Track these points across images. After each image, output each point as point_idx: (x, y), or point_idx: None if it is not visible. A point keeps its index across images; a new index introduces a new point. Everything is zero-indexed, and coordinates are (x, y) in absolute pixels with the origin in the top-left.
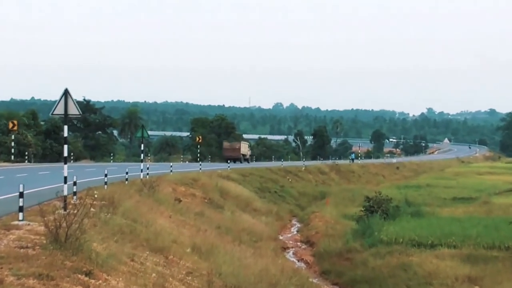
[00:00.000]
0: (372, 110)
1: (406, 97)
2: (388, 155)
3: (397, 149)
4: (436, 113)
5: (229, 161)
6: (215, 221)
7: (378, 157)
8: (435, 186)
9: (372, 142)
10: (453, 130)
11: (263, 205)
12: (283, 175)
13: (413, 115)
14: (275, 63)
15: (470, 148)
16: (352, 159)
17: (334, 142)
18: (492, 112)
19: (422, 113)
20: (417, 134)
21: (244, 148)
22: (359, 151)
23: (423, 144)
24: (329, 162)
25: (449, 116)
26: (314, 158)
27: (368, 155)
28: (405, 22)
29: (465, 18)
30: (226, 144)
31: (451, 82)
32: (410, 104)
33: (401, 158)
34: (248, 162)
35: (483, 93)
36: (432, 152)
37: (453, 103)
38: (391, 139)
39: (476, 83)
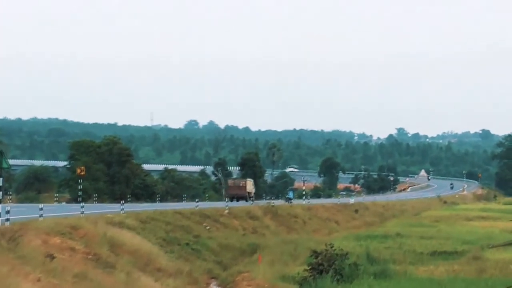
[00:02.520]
0: (322, 131)
1: (369, 114)
2: (344, 193)
3: (356, 185)
4: (409, 135)
5: (233, 200)
6: (102, 287)
7: (330, 196)
8: (407, 236)
9: (322, 175)
10: (433, 158)
11: (170, 263)
12: (198, 221)
13: (378, 138)
14: (186, 68)
15: (452, 187)
16: (289, 199)
17: (269, 175)
18: (485, 134)
19: (391, 136)
20: (384, 164)
21: (250, 186)
22: (304, 188)
23: (392, 178)
24: (263, 202)
25: (427, 140)
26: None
27: (316, 193)
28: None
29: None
30: (230, 181)
31: (430, 93)
32: (374, 123)
33: (361, 198)
34: (253, 201)
35: (473, 109)
36: (404, 189)
37: (432, 122)
38: (347, 172)
39: (463, 95)
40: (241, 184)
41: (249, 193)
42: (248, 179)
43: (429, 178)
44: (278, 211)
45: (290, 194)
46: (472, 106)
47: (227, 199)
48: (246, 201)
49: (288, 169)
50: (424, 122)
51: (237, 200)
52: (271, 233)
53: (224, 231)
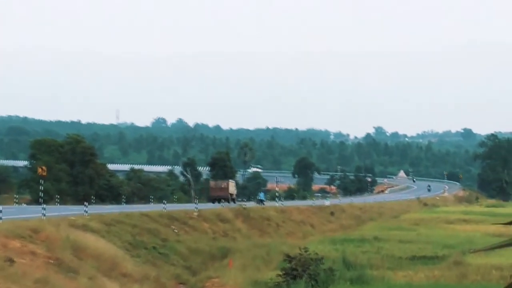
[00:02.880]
0: (297, 129)
1: (345, 112)
2: (319, 194)
3: (332, 187)
4: (387, 134)
5: (215, 202)
6: None
7: (304, 198)
8: (386, 240)
9: (296, 176)
10: (413, 159)
11: (136, 267)
12: (166, 224)
13: (355, 137)
14: (154, 64)
15: (429, 189)
16: (261, 201)
17: (241, 176)
18: (467, 133)
19: (368, 135)
20: (361, 164)
21: (232, 187)
22: (277, 189)
23: (369, 179)
24: (234, 204)
25: (407, 139)
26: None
27: (290, 194)
28: None
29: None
30: (212, 183)
31: (410, 90)
32: (351, 122)
33: (337, 200)
34: (235, 203)
35: (454, 108)
36: (382, 191)
37: (412, 120)
38: (323, 173)
39: (444, 93)
40: (222, 186)
41: (231, 194)
42: (230, 180)
43: (414, 180)
44: (250, 213)
45: (262, 196)
46: (454, 104)
47: (197, 200)
48: (228, 202)
49: (252, 169)
50: (403, 120)
51: (219, 202)
52: (243, 236)
53: (193, 234)
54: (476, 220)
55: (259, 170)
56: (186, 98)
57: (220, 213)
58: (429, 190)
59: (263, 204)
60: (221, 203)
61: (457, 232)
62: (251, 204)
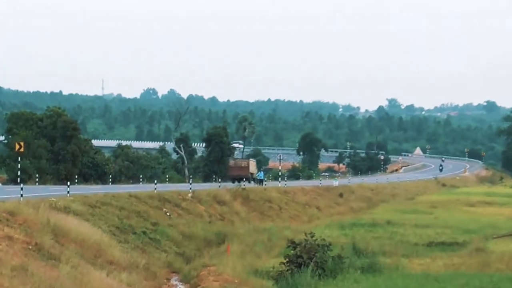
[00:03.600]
0: (301, 102)
1: (356, 82)
2: (327, 174)
3: (341, 165)
4: (402, 107)
5: (235, 181)
6: (45, 282)
7: (310, 178)
8: (400, 224)
9: (301, 154)
10: (430, 134)
11: (124, 254)
12: (157, 206)
13: (366, 111)
14: (143, 29)
15: (441, 169)
16: (261, 181)
17: (240, 153)
18: (491, 106)
19: (381, 108)
20: (372, 140)
21: (252, 166)
22: (280, 168)
23: (382, 157)
24: (233, 185)
25: (423, 113)
26: (208, 178)
27: (294, 174)
28: None
29: None
30: (232, 162)
31: (427, 59)
32: (362, 93)
33: (346, 180)
34: (256, 182)
35: (476, 78)
36: (396, 170)
37: (429, 92)
38: (330, 150)
39: (464, 61)
40: (243, 165)
41: (251, 174)
42: (251, 159)
43: (443, 159)
44: (249, 195)
45: (261, 175)
46: (476, 74)
47: (191, 180)
48: (249, 182)
49: (234, 144)
50: (419, 92)
51: (238, 182)
52: (242, 220)
53: (187, 217)
54: (500, 203)
55: (240, 146)
56: (179, 66)
57: (217, 194)
58: (440, 170)
59: (263, 184)
60: (253, 183)
61: (479, 215)
62: (250, 185)
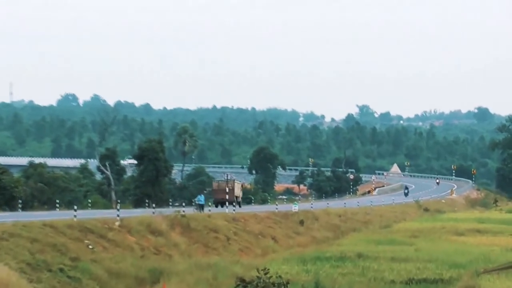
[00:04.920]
0: (254, 109)
1: (320, 86)
2: (285, 197)
3: (302, 186)
4: (376, 115)
5: (218, 206)
6: None
7: (264, 202)
8: (373, 257)
9: (254, 173)
10: (409, 148)
11: None
12: (77, 238)
13: (332, 120)
14: (59, 25)
15: (406, 193)
16: (201, 206)
17: (179, 173)
18: (482, 114)
19: (350, 116)
20: (340, 156)
21: (237, 189)
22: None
23: (352, 177)
24: (170, 211)
25: (402, 123)
26: (139, 203)
27: (245, 197)
28: None
29: None
30: (214, 184)
31: (406, 59)
32: (327, 99)
33: (309, 204)
34: (240, 206)
35: (465, 81)
36: (369, 192)
37: (408, 98)
38: (289, 168)
39: (451, 61)
40: (227, 187)
41: (236, 197)
42: (235, 181)
43: (438, 181)
44: (190, 223)
45: (201, 199)
46: (465, 76)
47: (119, 205)
48: (234, 206)
49: (126, 162)
50: (396, 98)
51: (222, 206)
52: (181, 254)
53: (115, 251)
54: (494, 231)
55: (133, 162)
56: (104, 68)
57: (151, 222)
58: (406, 194)
59: (202, 210)
60: (237, 206)
61: (469, 247)
62: (192, 211)
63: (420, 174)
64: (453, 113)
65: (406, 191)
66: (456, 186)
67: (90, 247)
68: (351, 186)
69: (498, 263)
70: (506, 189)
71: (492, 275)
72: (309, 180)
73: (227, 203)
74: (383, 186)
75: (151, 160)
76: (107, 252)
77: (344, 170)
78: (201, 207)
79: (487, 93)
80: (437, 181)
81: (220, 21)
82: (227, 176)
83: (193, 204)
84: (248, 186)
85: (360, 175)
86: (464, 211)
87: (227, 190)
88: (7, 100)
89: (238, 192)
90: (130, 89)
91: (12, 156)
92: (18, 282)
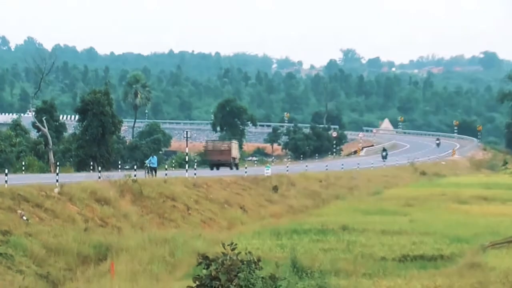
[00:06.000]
0: (218, 54)
1: (296, 27)
2: (255, 159)
3: (275, 145)
4: (363, 62)
5: (213, 168)
6: None
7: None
8: (360, 230)
9: (219, 130)
10: (403, 100)
11: None
12: (9, 208)
13: (311, 67)
14: None
15: (438, 143)
16: (153, 169)
17: (129, 129)
18: (489, 59)
19: (332, 62)
20: (321, 110)
21: (235, 150)
22: (187, 150)
23: (335, 134)
24: (119, 175)
25: (394, 70)
26: (82, 166)
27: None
28: None
29: None
30: (209, 144)
31: None
32: (304, 42)
33: (284, 167)
34: (237, 168)
35: (470, 22)
36: (355, 152)
37: (401, 40)
38: (261, 124)
39: None
40: (223, 148)
41: (233, 158)
42: (233, 141)
43: (438, 140)
44: (143, 189)
45: (153, 161)
46: (468, 16)
47: (58, 169)
48: (231, 168)
49: (28, 114)
50: (387, 40)
51: (217, 168)
52: (133, 226)
53: (53, 223)
54: (504, 198)
55: (71, 122)
56: (39, 5)
57: (96, 189)
58: (384, 157)
59: (152, 174)
60: (234, 168)
61: (473, 217)
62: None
63: (415, 131)
64: (454, 59)
65: (384, 153)
66: (458, 145)
67: (24, 218)
68: (334, 146)
69: (507, 236)
70: None
71: (500, 249)
72: (284, 138)
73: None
74: (372, 145)
75: (96, 115)
76: (44, 224)
77: (326, 126)
78: (153, 170)
79: (495, 34)
80: (438, 141)
81: None
82: (186, 134)
83: (145, 167)
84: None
85: (345, 132)
86: (468, 174)
87: (223, 151)
88: None
89: (235, 153)
90: (71, 30)
91: None
92: None
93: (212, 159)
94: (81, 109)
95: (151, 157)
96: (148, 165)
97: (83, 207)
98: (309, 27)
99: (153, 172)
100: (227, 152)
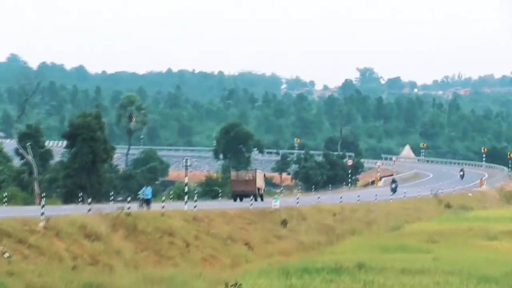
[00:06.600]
0: (221, 74)
1: (309, 45)
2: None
3: (284, 175)
4: (382, 82)
5: (236, 199)
6: None
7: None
8: (378, 269)
9: (222, 157)
10: (426, 124)
11: None
12: None
13: (325, 87)
14: None
15: (462, 174)
16: (146, 201)
17: (123, 156)
18: None
19: (348, 83)
20: (335, 135)
21: (260, 180)
22: (186, 180)
23: (350, 162)
24: (111, 208)
25: (416, 91)
26: (71, 197)
27: (209, 189)
28: None
29: None
30: (233, 174)
31: (420, 9)
32: (317, 60)
33: (294, 198)
34: (262, 200)
35: (498, 36)
36: (373, 182)
37: (424, 58)
38: (269, 151)
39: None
40: (247, 178)
41: (258, 189)
42: (258, 170)
43: (462, 171)
44: (138, 223)
45: (147, 192)
46: (498, 30)
47: (44, 200)
48: (255, 200)
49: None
50: (409, 58)
51: (241, 200)
52: (126, 264)
53: (38, 261)
54: None
55: (14, 141)
56: (25, 20)
57: (86, 223)
58: (393, 190)
59: (148, 206)
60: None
61: (504, 254)
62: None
63: (439, 159)
64: (483, 79)
65: (393, 185)
66: (487, 175)
67: (6, 255)
68: (350, 175)
69: None
70: None
71: None
72: (294, 166)
73: (252, 196)
74: (392, 175)
75: (85, 141)
76: (28, 262)
77: (340, 153)
78: (147, 202)
79: None
80: (462, 172)
81: None
82: (186, 162)
83: (138, 198)
84: (214, 175)
85: (361, 160)
86: (498, 207)
87: (248, 181)
88: None
89: (260, 183)
90: (59, 47)
91: None
92: None
93: (236, 190)
94: (70, 134)
95: (144, 188)
96: (141, 196)
97: (71, 243)
98: (322, 43)
99: (147, 205)
100: (251, 182)
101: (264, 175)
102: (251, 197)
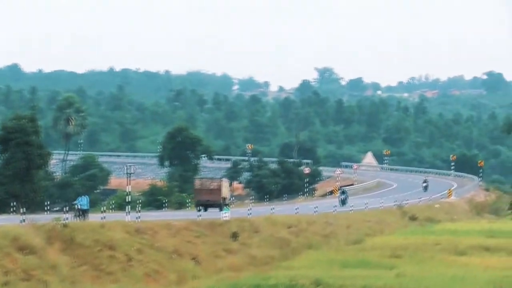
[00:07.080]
0: (168, 73)
1: (263, 42)
2: None
3: (236, 183)
4: (342, 83)
5: (200, 209)
6: None
7: (182, 206)
8: (337, 286)
9: (168, 164)
10: (390, 129)
11: None
12: None
13: (280, 88)
14: None
15: (425, 185)
16: (83, 211)
17: (60, 163)
18: (494, 81)
19: (305, 84)
20: (291, 141)
21: (225, 189)
22: (128, 189)
23: (307, 170)
24: (46, 219)
25: (379, 93)
26: (2, 207)
27: (153, 199)
28: None
29: None
30: (197, 182)
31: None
32: (272, 60)
33: (246, 209)
34: (228, 210)
35: (466, 36)
36: (332, 192)
37: (388, 58)
38: (217, 157)
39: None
40: (212, 186)
41: (224, 198)
42: (223, 179)
43: (426, 182)
44: (76, 236)
45: (83, 202)
46: (469, 30)
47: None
48: (220, 209)
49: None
50: (371, 59)
51: (205, 210)
52: (62, 280)
53: None
54: (509, 248)
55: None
56: None
57: (19, 235)
58: (342, 202)
59: (85, 217)
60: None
61: (473, 270)
62: (75, 219)
63: (404, 167)
64: (452, 81)
65: (342, 196)
66: (455, 185)
67: None
68: (307, 184)
69: None
70: None
71: None
72: (246, 175)
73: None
74: (352, 184)
75: (19, 146)
76: None
77: (297, 161)
78: (83, 213)
79: (501, 53)
80: (425, 183)
81: None
82: (128, 169)
83: (73, 208)
84: (159, 183)
85: (320, 168)
86: (467, 220)
87: (213, 190)
88: None
89: (226, 192)
90: None
91: None
92: None
93: (200, 199)
94: (2, 138)
95: (81, 197)
96: (78, 206)
97: (3, 257)
98: (277, 41)
99: (82, 215)
100: (217, 192)
101: (230, 184)
102: (218, 207)
